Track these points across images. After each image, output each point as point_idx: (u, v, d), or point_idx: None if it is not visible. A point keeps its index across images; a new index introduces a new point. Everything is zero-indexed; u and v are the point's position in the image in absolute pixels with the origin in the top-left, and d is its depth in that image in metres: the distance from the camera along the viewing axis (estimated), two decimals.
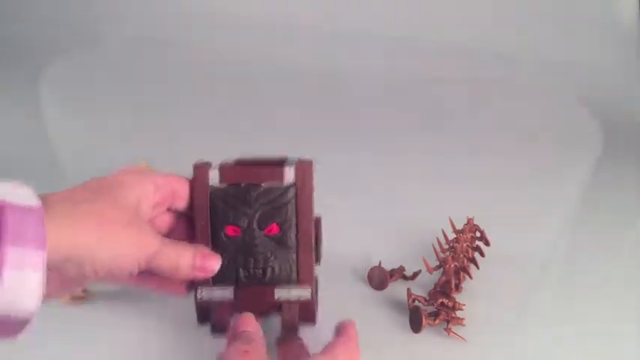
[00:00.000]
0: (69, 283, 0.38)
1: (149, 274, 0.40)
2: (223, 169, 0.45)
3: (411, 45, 1.21)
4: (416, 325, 0.49)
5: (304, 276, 0.45)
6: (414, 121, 1.00)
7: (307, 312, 0.45)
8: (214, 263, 0.42)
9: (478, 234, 0.60)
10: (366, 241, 0.62)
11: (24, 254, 0.30)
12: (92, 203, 0.35)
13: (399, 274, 0.56)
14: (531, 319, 0.54)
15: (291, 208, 0.44)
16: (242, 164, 0.46)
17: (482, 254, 0.59)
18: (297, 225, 0.45)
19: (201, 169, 0.45)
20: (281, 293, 0.45)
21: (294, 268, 0.45)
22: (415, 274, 0.56)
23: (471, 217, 0.60)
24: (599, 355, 0.50)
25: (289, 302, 0.45)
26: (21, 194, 0.31)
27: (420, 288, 0.54)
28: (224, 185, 0.44)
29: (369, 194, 0.69)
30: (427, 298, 0.52)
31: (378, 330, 0.50)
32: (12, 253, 0.29)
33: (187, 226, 0.45)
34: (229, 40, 1.22)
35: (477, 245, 0.59)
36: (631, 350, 0.51)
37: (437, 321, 0.49)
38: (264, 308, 0.45)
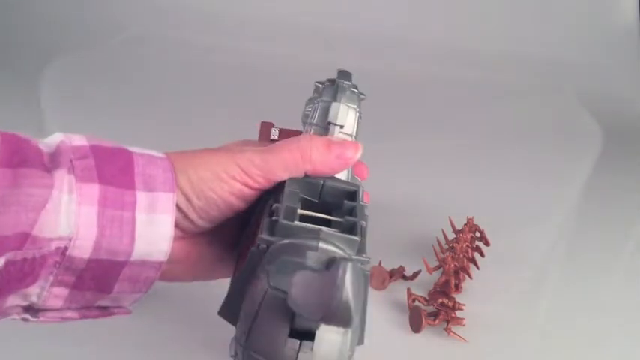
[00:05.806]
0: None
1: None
2: (281, 129, 0.57)
3: (410, 45, 1.21)
4: (416, 325, 0.49)
5: None
6: (413, 121, 1.00)
7: None
8: (355, 152, 0.36)
9: (478, 234, 0.60)
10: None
11: (155, 198, 0.31)
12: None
13: (399, 274, 0.56)
14: (531, 319, 0.54)
15: None
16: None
17: (482, 254, 0.59)
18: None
19: (266, 125, 0.57)
20: None
21: None
22: (415, 274, 0.56)
23: (470, 217, 0.60)
24: (600, 353, 0.50)
25: None
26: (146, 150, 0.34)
27: (420, 288, 0.54)
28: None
29: (368, 195, 0.69)
30: (427, 298, 0.52)
31: (378, 330, 0.50)
32: (143, 197, 0.31)
33: None
34: (229, 39, 1.22)
35: (476, 245, 0.59)
36: (631, 348, 0.51)
37: (437, 321, 0.49)
38: None
